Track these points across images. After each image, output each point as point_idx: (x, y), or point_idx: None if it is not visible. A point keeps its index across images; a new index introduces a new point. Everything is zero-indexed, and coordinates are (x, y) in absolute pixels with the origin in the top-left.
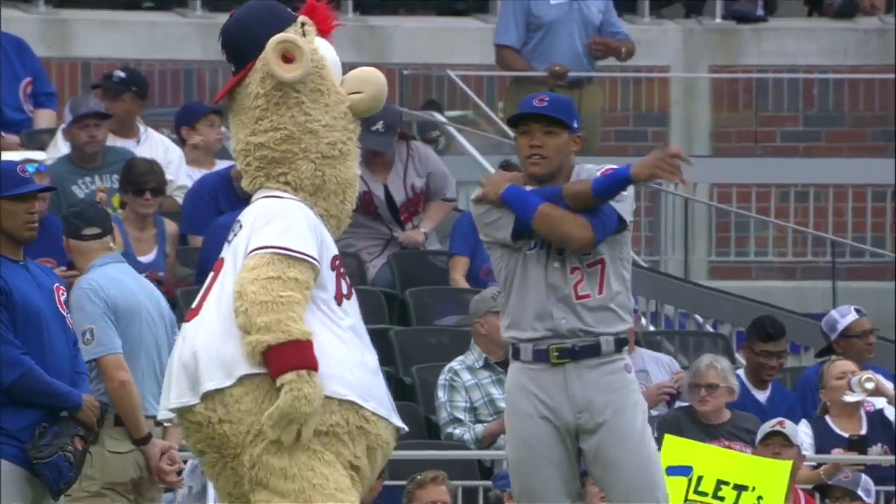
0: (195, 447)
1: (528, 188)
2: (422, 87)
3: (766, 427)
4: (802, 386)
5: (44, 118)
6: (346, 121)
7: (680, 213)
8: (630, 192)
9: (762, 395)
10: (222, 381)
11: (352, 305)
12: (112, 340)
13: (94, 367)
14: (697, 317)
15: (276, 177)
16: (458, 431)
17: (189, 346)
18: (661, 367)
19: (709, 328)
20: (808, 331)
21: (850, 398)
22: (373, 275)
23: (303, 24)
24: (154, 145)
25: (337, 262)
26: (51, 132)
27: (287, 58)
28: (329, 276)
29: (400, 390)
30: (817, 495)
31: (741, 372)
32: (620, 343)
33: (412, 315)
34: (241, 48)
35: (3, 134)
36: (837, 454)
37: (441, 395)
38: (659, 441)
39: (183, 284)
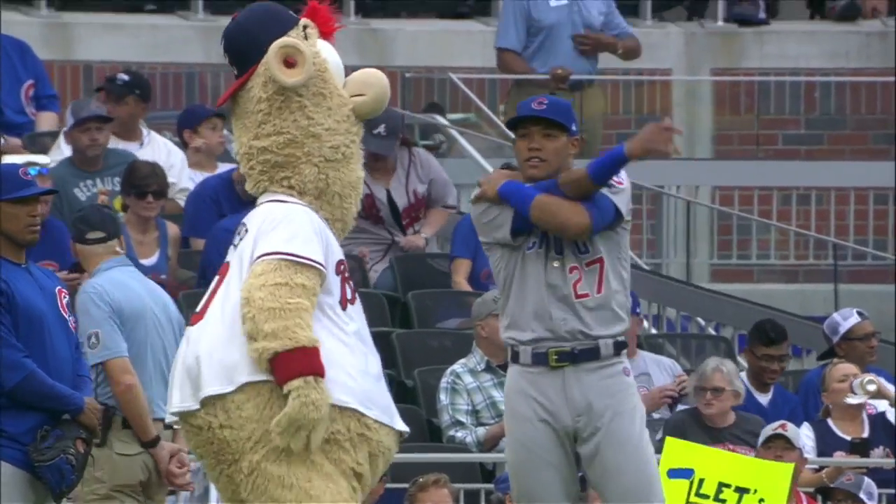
0: (195, 451)
1: None
2: (424, 89)
3: (768, 430)
4: (804, 389)
5: (46, 121)
6: (349, 124)
7: (682, 215)
8: (627, 185)
9: (764, 398)
10: (224, 387)
11: (356, 310)
12: (117, 344)
13: (100, 370)
14: (699, 320)
15: (280, 181)
16: (459, 434)
17: (192, 351)
18: (662, 369)
19: (711, 331)
20: (809, 334)
21: (852, 401)
22: (375, 278)
23: (305, 27)
24: (157, 148)
25: (342, 267)
26: (53, 135)
27: (289, 63)
28: (334, 281)
29: (402, 393)
30: (819, 498)
31: (743, 375)
32: (619, 346)
33: (414, 318)
34: (244, 51)
35: (5, 137)
36: (839, 457)
37: (443, 397)
38: (662, 443)
39: (185, 287)
